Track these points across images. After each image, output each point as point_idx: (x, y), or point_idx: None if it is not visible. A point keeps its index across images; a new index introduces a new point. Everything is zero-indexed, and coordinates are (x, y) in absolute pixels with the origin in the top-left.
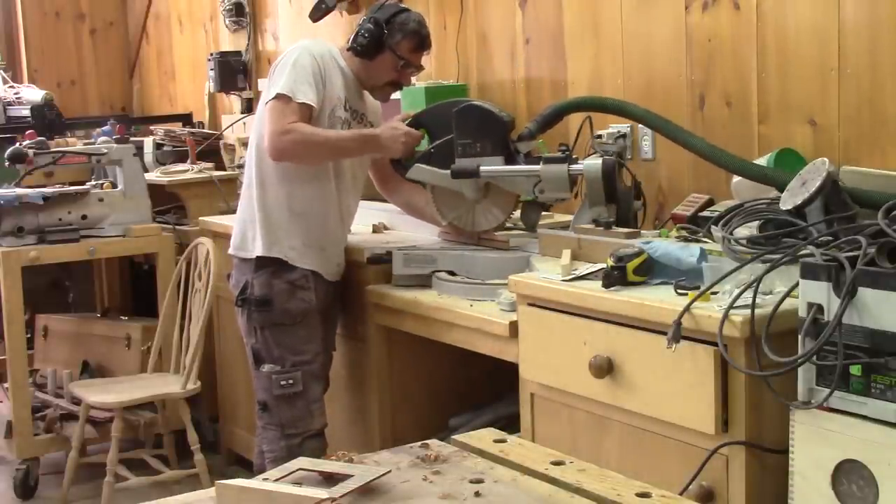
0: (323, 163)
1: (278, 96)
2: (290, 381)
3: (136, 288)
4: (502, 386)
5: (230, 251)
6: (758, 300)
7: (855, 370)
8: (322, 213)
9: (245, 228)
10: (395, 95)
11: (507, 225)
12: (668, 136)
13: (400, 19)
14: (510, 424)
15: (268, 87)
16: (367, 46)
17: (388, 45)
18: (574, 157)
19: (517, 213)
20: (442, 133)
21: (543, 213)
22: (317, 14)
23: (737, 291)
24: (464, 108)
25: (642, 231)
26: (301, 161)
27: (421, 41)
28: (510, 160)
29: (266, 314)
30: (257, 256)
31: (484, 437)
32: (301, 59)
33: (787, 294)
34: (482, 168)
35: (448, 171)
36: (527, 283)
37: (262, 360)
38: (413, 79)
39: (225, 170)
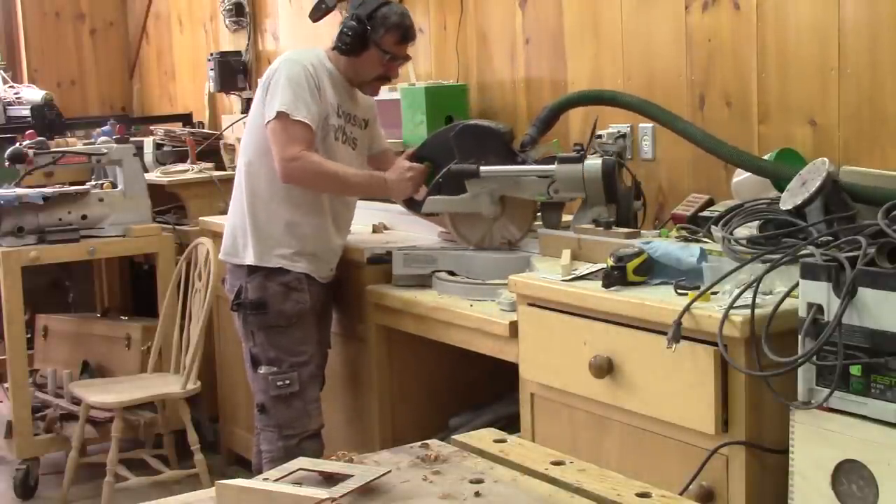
0: (328, 193)
1: (279, 116)
2: (287, 382)
3: (136, 288)
4: (502, 386)
5: (221, 256)
6: (758, 300)
7: (855, 370)
8: (316, 224)
9: (236, 234)
10: (395, 96)
11: None
12: (665, 124)
13: (382, 13)
14: (510, 424)
15: (263, 102)
16: (351, 44)
17: (372, 41)
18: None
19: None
20: (446, 161)
21: None
22: (317, 14)
23: (737, 291)
24: (460, 131)
25: (642, 231)
26: (308, 188)
27: (405, 33)
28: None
29: (261, 317)
30: (249, 265)
31: (484, 437)
32: (294, 73)
33: (787, 294)
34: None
35: (461, 196)
36: (527, 283)
37: (260, 363)
38: (413, 78)
39: (225, 170)
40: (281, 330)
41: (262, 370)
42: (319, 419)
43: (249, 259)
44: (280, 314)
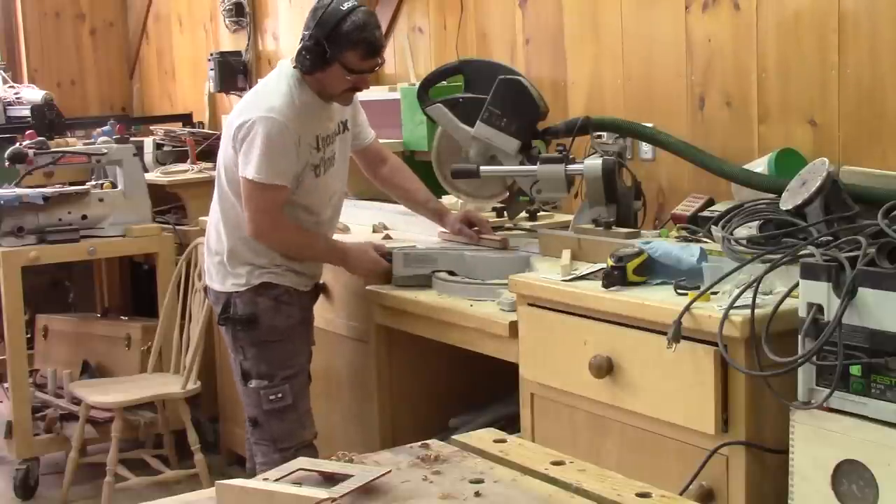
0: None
1: (255, 182)
2: (280, 396)
3: (136, 288)
4: (502, 386)
5: (208, 283)
6: (758, 300)
7: (855, 370)
8: None
9: (219, 265)
10: (395, 96)
11: (507, 225)
12: (706, 167)
13: (344, 30)
14: (510, 424)
15: (236, 149)
16: (312, 65)
17: (335, 59)
18: (571, 157)
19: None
20: (477, 87)
21: (543, 212)
22: None
23: (737, 291)
24: (509, 80)
25: (642, 231)
26: (272, 249)
27: (369, 49)
28: (524, 149)
29: (253, 332)
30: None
31: (484, 437)
32: (273, 135)
33: (787, 294)
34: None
35: (466, 127)
36: (527, 283)
37: (250, 377)
38: (413, 78)
39: None
40: (272, 344)
41: (253, 384)
42: (313, 429)
43: (238, 287)
44: (272, 329)
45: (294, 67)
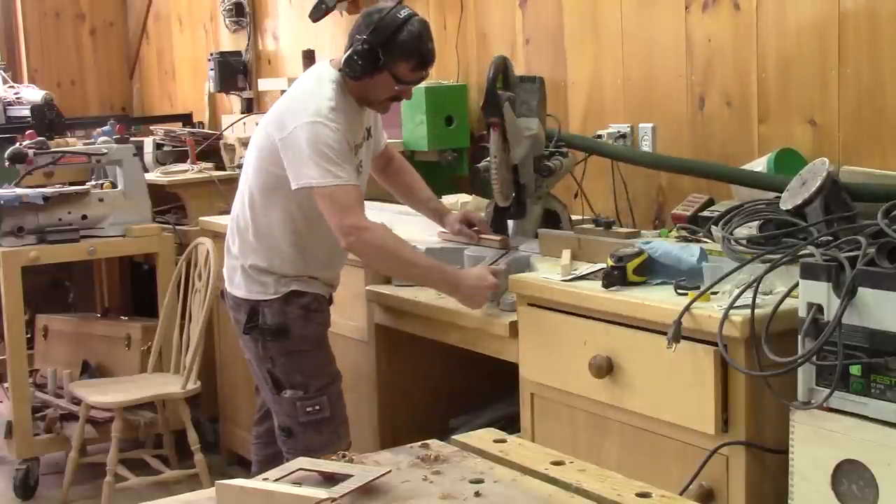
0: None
1: (328, 187)
2: (317, 408)
3: (136, 288)
4: (502, 386)
5: (229, 288)
6: (758, 300)
7: (855, 370)
8: (328, 254)
9: (241, 270)
10: None
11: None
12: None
13: (399, 40)
14: (510, 424)
15: (281, 153)
16: (362, 71)
17: (385, 67)
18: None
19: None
20: (507, 85)
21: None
22: (317, 14)
23: (737, 291)
24: (542, 79)
25: (642, 231)
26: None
27: (422, 61)
28: None
29: (283, 343)
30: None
31: (484, 437)
32: (331, 139)
33: (787, 294)
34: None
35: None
36: (527, 282)
37: (283, 387)
38: None
39: (225, 170)
40: (304, 353)
41: (288, 394)
42: (348, 439)
43: (266, 296)
44: (303, 339)
45: (339, 71)
